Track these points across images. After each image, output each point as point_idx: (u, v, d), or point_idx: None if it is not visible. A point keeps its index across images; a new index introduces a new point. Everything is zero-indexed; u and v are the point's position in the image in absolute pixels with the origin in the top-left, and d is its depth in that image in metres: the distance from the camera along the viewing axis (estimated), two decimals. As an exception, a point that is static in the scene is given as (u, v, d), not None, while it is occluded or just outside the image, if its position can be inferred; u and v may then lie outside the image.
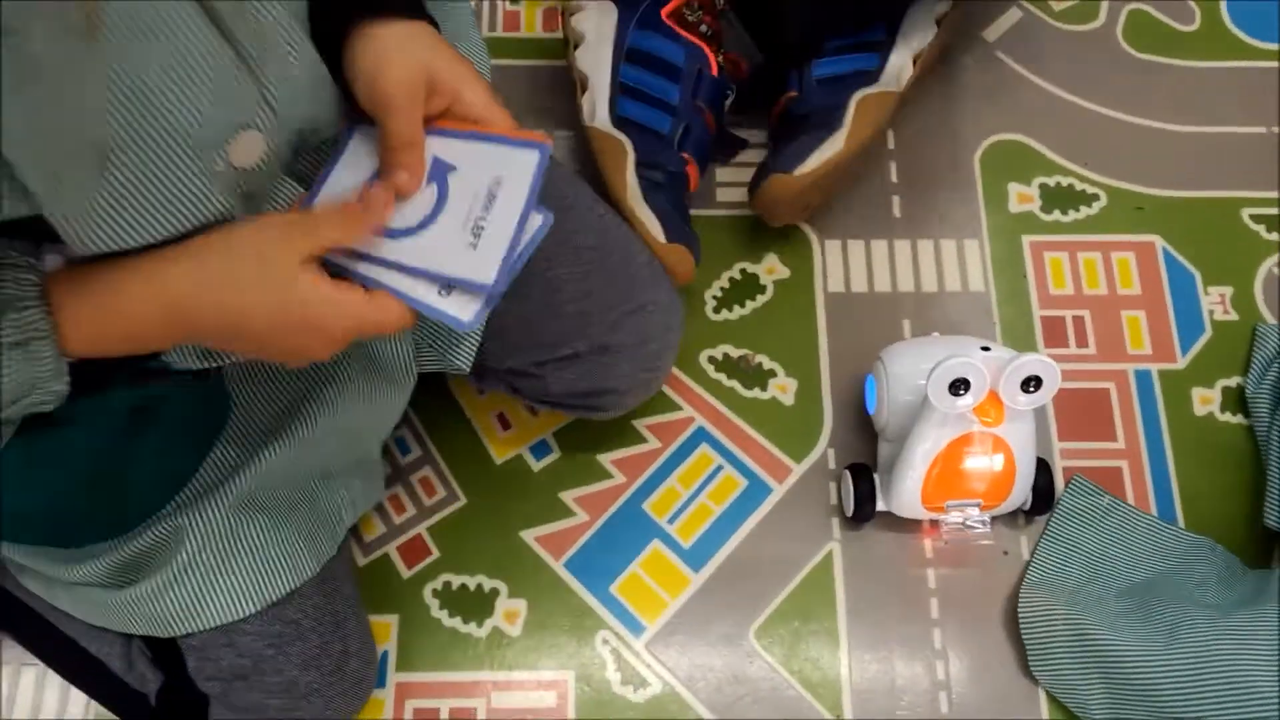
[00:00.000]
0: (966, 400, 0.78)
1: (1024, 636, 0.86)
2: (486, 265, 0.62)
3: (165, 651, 0.74)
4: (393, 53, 0.62)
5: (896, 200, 1.03)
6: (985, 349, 0.80)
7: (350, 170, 0.65)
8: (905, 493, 0.85)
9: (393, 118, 0.62)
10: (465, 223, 0.63)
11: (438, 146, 0.65)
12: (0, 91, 0.45)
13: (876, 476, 0.88)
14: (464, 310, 0.62)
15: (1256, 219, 1.03)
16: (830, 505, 0.92)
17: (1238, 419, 0.95)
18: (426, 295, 0.62)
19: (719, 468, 0.93)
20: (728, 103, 0.98)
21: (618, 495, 0.92)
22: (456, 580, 0.89)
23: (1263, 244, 1.01)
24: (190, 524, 0.70)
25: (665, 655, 0.87)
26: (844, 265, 1.01)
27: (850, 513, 0.89)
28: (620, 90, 0.93)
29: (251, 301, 0.57)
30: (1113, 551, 0.89)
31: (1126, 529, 0.89)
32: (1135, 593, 0.85)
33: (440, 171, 0.65)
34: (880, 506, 0.89)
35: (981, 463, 0.82)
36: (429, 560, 0.90)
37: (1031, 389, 0.78)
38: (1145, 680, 0.79)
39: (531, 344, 0.80)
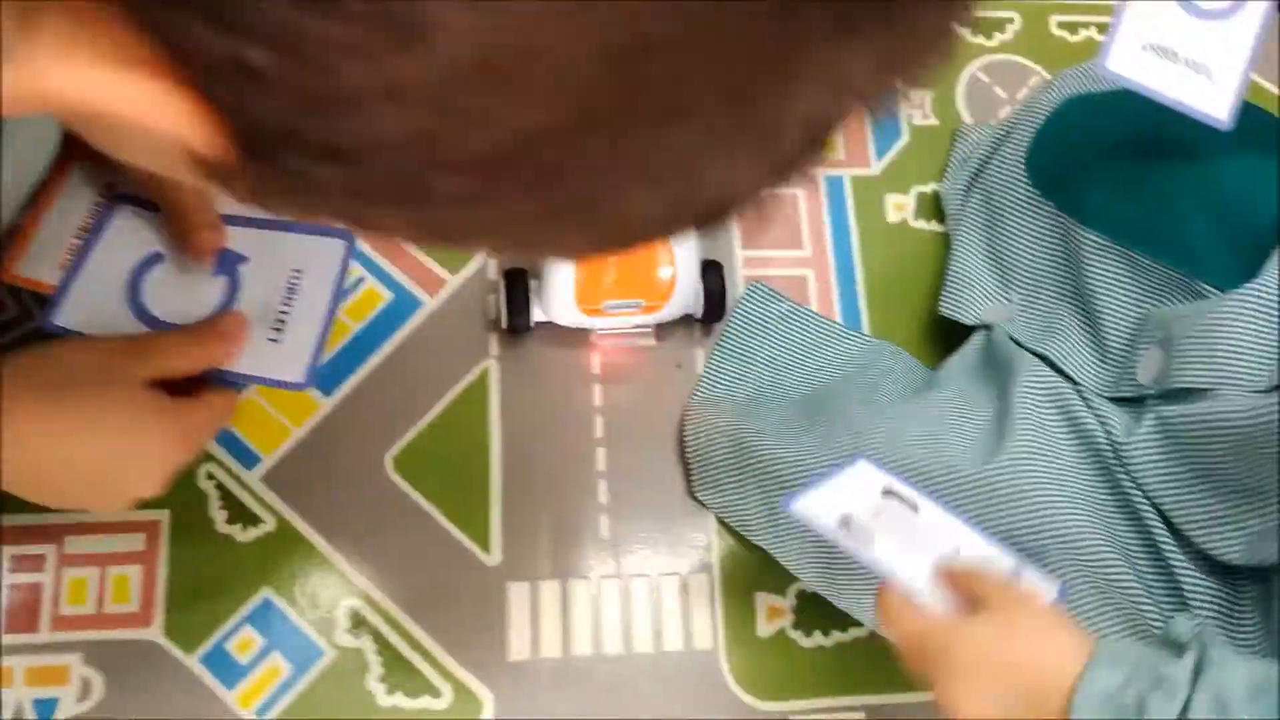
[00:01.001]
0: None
1: (687, 454, 0.77)
2: (294, 362, 0.59)
3: None
4: None
5: None
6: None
7: (117, 251, 0.60)
8: (557, 292, 0.74)
9: (189, 188, 0.59)
10: (264, 316, 0.60)
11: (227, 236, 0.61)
12: None
13: (534, 282, 0.78)
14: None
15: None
16: (489, 320, 0.81)
17: (932, 226, 0.88)
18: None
19: (359, 280, 0.81)
20: None
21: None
22: (28, 409, 0.74)
23: (967, 47, 0.95)
24: None
25: (284, 490, 0.74)
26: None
27: (505, 324, 0.78)
28: None
29: (88, 445, 0.51)
30: (788, 359, 0.81)
31: (804, 335, 0.82)
32: (805, 400, 0.78)
33: (230, 263, 0.61)
34: (539, 317, 0.78)
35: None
36: None
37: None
38: (798, 486, 0.71)
39: None
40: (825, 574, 0.72)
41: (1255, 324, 0.64)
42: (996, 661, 0.52)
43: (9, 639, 0.70)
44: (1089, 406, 0.69)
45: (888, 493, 0.61)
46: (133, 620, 0.71)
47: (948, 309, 0.80)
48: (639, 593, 0.76)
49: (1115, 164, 0.75)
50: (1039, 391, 0.69)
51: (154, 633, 0.71)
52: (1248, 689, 0.47)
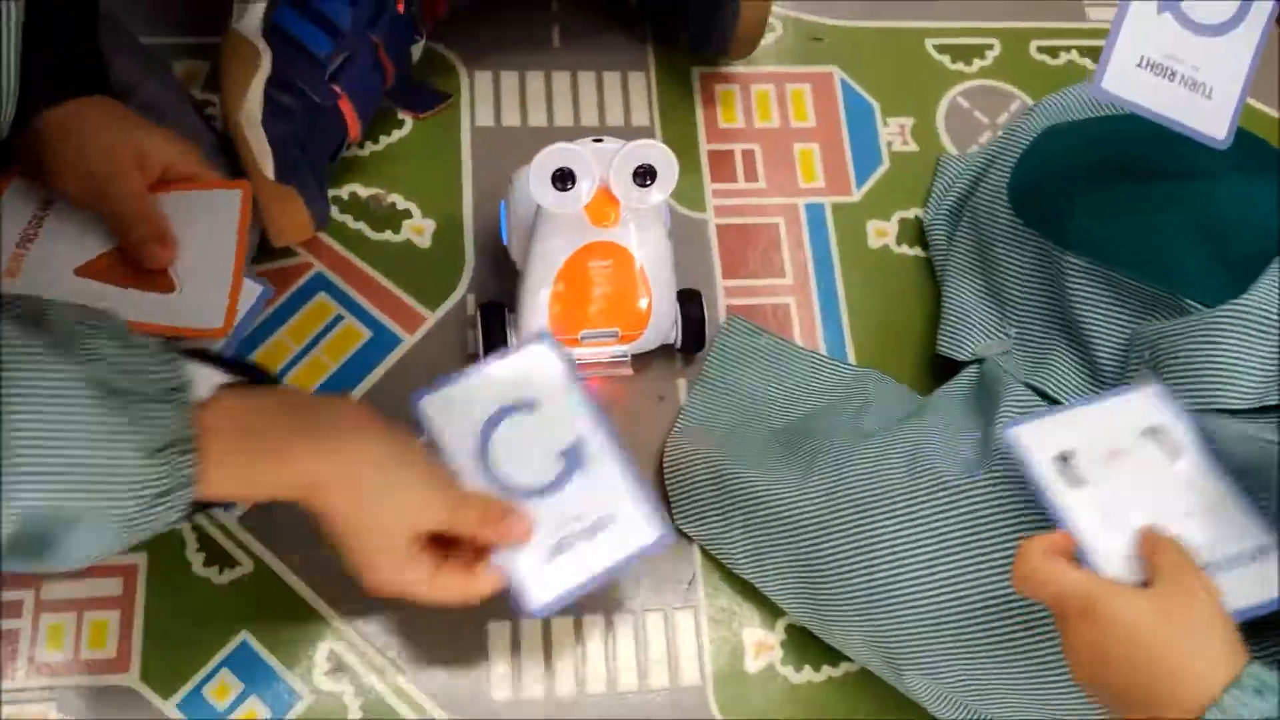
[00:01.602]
0: (574, 194, 0.68)
1: (667, 486, 0.76)
2: (544, 593, 0.62)
3: None
4: (95, 135, 0.64)
5: (556, 29, 0.93)
6: (598, 141, 0.70)
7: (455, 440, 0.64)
8: (533, 323, 0.74)
9: (125, 197, 0.64)
10: (558, 528, 0.62)
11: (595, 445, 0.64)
12: None
13: (510, 314, 0.77)
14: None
15: (941, 49, 0.96)
16: (468, 355, 0.80)
17: (915, 251, 0.88)
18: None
19: (339, 318, 0.81)
20: (416, 50, 0.86)
21: (210, 352, 0.79)
22: None
23: (947, 74, 0.95)
24: None
25: (261, 531, 0.74)
26: (494, 98, 0.89)
27: (483, 357, 0.77)
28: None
29: (370, 530, 0.57)
30: (770, 392, 0.80)
31: (786, 367, 0.81)
32: (787, 429, 0.76)
33: (576, 458, 0.64)
34: (517, 350, 0.78)
35: (607, 277, 0.72)
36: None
37: (649, 183, 0.68)
38: (781, 517, 0.69)
39: None
40: (812, 608, 0.71)
41: (1237, 341, 0.63)
42: (1138, 643, 0.49)
43: (-14, 686, 0.69)
44: None
45: (1151, 432, 0.58)
46: (109, 666, 0.70)
47: (945, 348, 0.79)
48: (623, 629, 0.74)
49: (1095, 189, 0.75)
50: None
51: (131, 678, 0.70)
52: None
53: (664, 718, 0.72)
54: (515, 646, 0.73)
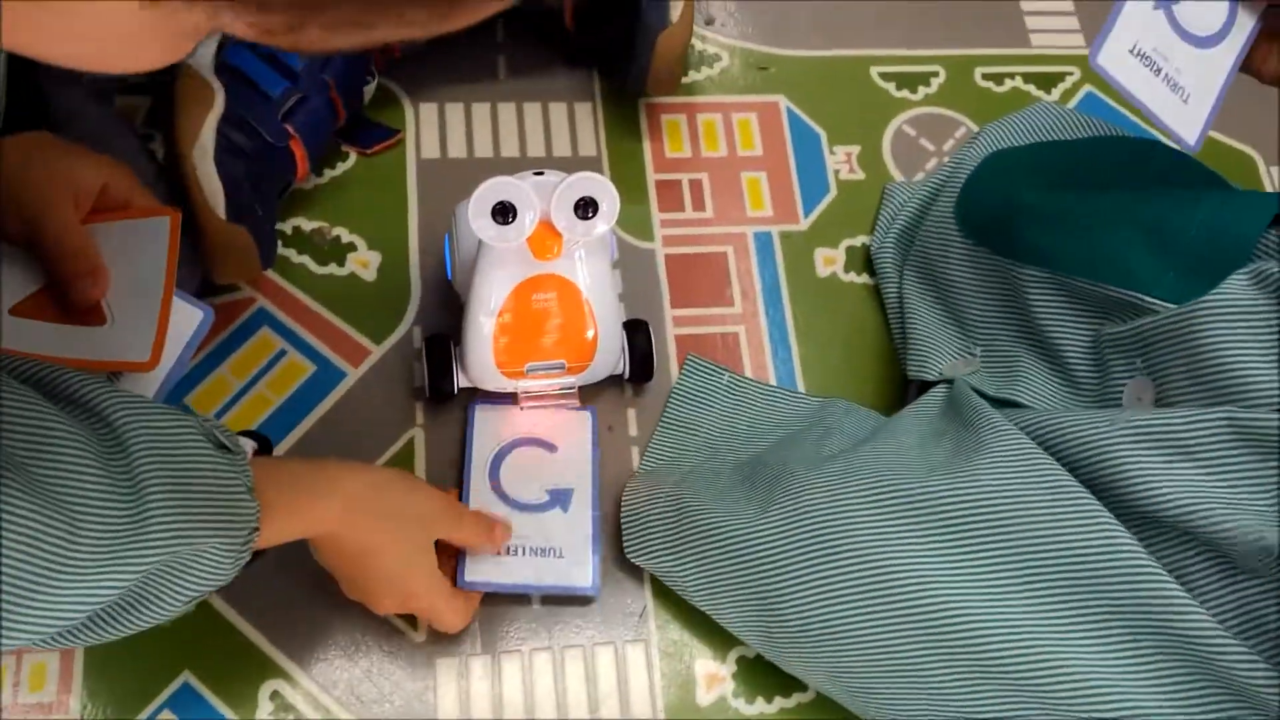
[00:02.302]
0: (515, 228, 0.67)
1: (622, 519, 0.75)
2: (479, 579, 0.72)
3: None
4: (27, 168, 0.63)
5: (502, 61, 0.93)
6: (538, 174, 0.70)
7: (482, 446, 0.77)
8: (478, 356, 0.73)
9: (57, 232, 0.62)
10: (516, 536, 0.73)
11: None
12: None
13: (455, 348, 0.77)
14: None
15: (886, 77, 0.97)
16: (415, 388, 0.80)
17: (863, 279, 0.88)
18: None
19: (282, 353, 0.80)
20: (368, 90, 0.86)
21: (151, 388, 0.77)
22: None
23: (892, 102, 0.96)
24: None
25: (205, 569, 0.73)
26: (440, 130, 0.89)
27: (428, 391, 0.77)
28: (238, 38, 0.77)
29: (391, 543, 0.65)
30: (732, 429, 0.79)
31: (748, 404, 0.80)
32: (749, 462, 0.76)
33: (563, 499, 0.75)
34: (464, 382, 0.77)
35: (551, 309, 0.71)
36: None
37: (590, 215, 0.68)
38: (740, 549, 0.68)
39: None
40: (767, 637, 0.70)
41: (1232, 335, 0.62)
42: None
43: (-82, 736, 0.67)
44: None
45: None
46: (50, 709, 0.69)
47: (914, 372, 0.79)
48: (573, 664, 0.74)
49: (1042, 205, 0.75)
50: (1014, 457, 0.66)
51: (70, 721, 0.69)
52: None
53: (614, 753, 0.72)
54: (463, 683, 0.72)
